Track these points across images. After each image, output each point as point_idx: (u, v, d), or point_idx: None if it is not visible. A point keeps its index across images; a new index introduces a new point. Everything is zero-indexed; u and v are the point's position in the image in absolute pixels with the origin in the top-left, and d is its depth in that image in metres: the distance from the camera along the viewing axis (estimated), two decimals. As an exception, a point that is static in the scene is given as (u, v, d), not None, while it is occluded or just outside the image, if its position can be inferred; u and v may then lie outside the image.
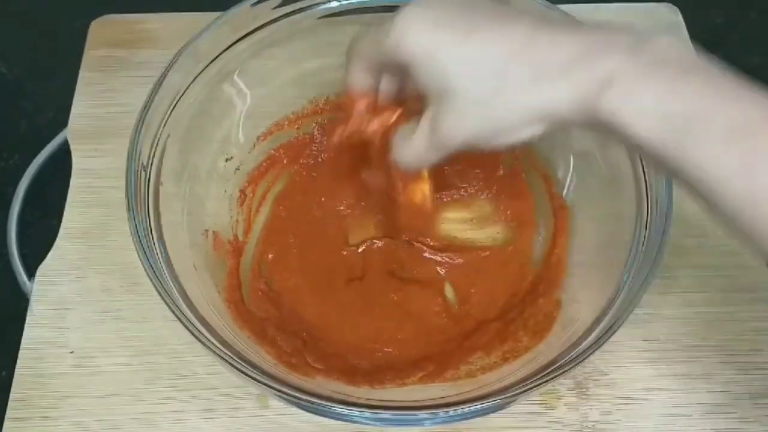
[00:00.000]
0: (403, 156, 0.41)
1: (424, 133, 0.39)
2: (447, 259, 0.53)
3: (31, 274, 0.53)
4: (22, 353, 0.49)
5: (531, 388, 0.38)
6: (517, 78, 0.35)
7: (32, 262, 0.53)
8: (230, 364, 0.39)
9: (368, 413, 0.38)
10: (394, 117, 0.43)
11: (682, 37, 0.33)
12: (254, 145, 0.54)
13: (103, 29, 0.64)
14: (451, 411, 0.38)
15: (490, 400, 0.38)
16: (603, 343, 0.39)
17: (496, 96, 0.36)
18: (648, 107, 0.32)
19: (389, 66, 0.41)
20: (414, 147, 0.40)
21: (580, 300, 0.46)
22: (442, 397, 0.42)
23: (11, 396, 0.48)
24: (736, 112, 0.31)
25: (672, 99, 0.32)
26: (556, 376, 0.38)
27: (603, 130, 0.34)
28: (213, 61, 0.50)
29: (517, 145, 0.37)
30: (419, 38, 0.37)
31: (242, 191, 0.53)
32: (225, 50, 0.50)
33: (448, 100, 0.37)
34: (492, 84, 0.35)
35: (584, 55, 0.34)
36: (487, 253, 0.53)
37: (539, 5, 0.50)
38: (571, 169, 0.52)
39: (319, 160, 0.55)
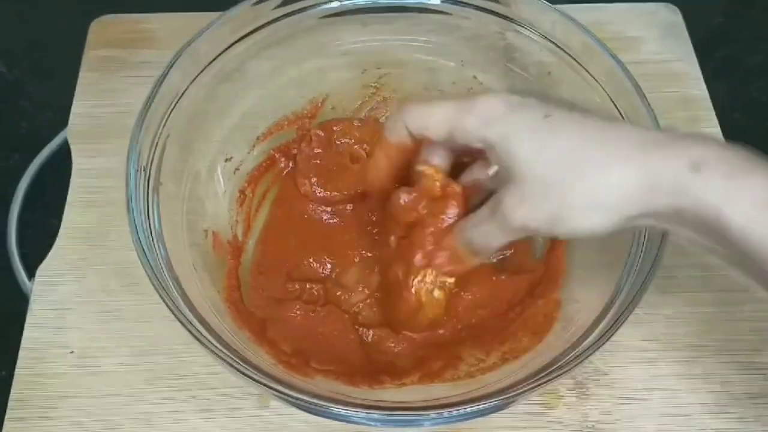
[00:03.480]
0: (464, 241, 0.41)
1: (486, 214, 0.39)
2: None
3: (31, 274, 0.53)
4: (22, 353, 0.49)
5: (531, 389, 0.38)
6: (589, 163, 0.35)
7: (32, 262, 0.53)
8: (230, 364, 0.39)
9: (368, 414, 0.38)
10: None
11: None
12: (254, 146, 0.54)
13: (103, 29, 0.64)
14: (451, 411, 0.38)
15: (490, 400, 0.38)
16: (603, 344, 0.39)
17: (565, 180, 0.35)
18: (749, 193, 0.31)
19: (458, 143, 0.41)
20: (480, 233, 0.40)
21: (580, 300, 0.46)
22: (442, 397, 0.42)
23: (11, 396, 0.48)
24: None
25: None
26: (556, 376, 0.38)
27: (682, 220, 0.33)
28: (213, 61, 0.50)
29: (585, 237, 0.36)
30: (500, 121, 0.38)
31: (242, 191, 0.53)
32: (225, 50, 0.50)
33: (516, 182, 0.37)
34: (563, 168, 0.35)
35: (666, 143, 0.33)
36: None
37: (538, 5, 0.50)
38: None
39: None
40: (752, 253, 0.32)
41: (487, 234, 0.40)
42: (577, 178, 0.35)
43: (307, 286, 0.51)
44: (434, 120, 0.40)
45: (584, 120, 0.37)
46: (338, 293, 0.50)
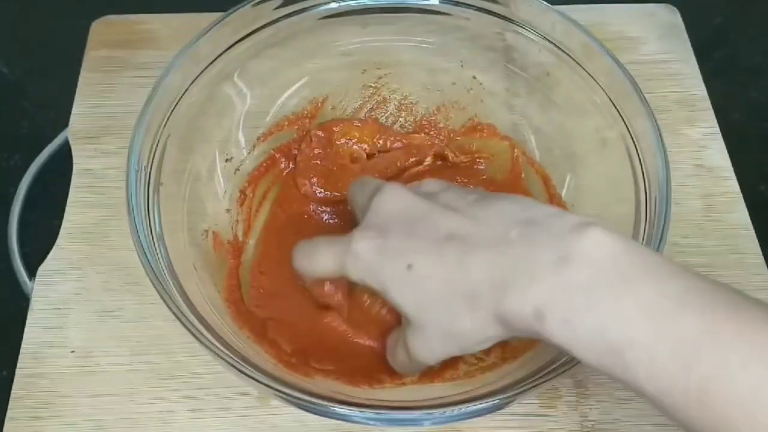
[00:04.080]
0: (393, 363, 0.44)
1: (402, 348, 0.42)
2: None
3: (31, 274, 0.53)
4: (22, 353, 0.49)
5: (530, 388, 0.38)
6: (460, 305, 0.37)
7: (33, 261, 0.53)
8: (230, 364, 0.39)
9: (368, 413, 0.38)
10: None
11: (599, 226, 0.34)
12: (254, 146, 0.54)
13: (103, 30, 0.64)
14: (451, 411, 0.38)
15: (490, 400, 0.38)
16: (602, 343, 0.39)
17: (449, 323, 0.38)
18: (585, 340, 0.32)
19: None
20: (399, 362, 0.43)
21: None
22: (442, 397, 0.42)
23: (11, 396, 0.48)
24: (675, 332, 0.31)
25: (608, 327, 0.32)
26: (555, 376, 0.38)
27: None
28: (213, 61, 0.50)
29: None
30: (372, 270, 0.39)
31: (242, 191, 0.53)
32: (225, 51, 0.50)
33: (411, 326, 0.40)
34: (441, 313, 0.38)
35: (511, 281, 0.34)
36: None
37: (537, 6, 0.50)
38: (569, 169, 0.52)
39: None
40: (619, 381, 0.33)
41: (405, 364, 0.43)
42: (455, 325, 0.37)
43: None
44: (320, 266, 0.42)
45: (442, 255, 0.37)
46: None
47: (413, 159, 0.55)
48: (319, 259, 0.42)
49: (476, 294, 0.36)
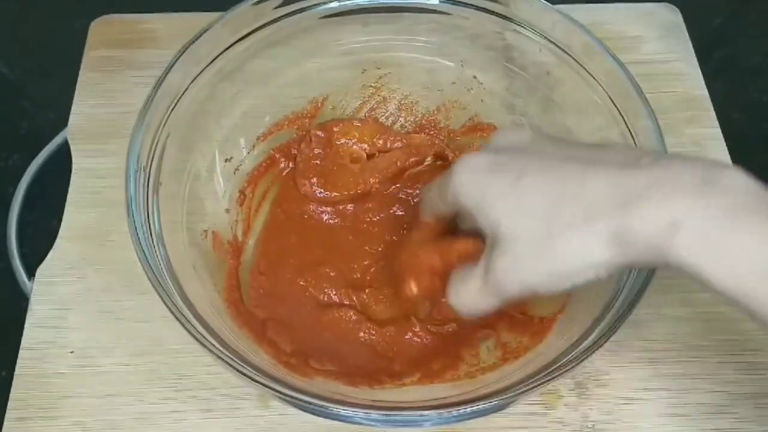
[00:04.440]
0: (458, 298, 0.40)
1: (479, 276, 0.38)
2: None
3: (31, 274, 0.53)
4: (22, 353, 0.49)
5: (531, 388, 0.38)
6: (569, 220, 0.34)
7: (32, 262, 0.53)
8: (229, 364, 0.39)
9: (367, 414, 0.38)
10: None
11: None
12: (254, 146, 0.54)
13: (103, 29, 0.64)
14: (451, 412, 0.38)
15: (490, 400, 0.38)
16: (603, 344, 0.39)
17: (549, 239, 0.35)
18: (725, 259, 0.31)
19: (456, 211, 0.41)
20: (469, 290, 0.39)
21: (580, 300, 0.46)
22: (442, 398, 0.42)
23: (11, 396, 0.48)
24: None
25: (757, 247, 0.30)
26: (555, 376, 0.38)
27: (675, 271, 0.32)
28: (213, 61, 0.50)
29: (581, 287, 0.36)
30: (472, 187, 0.38)
31: (242, 191, 0.53)
32: (225, 50, 0.50)
33: (501, 244, 0.36)
34: (543, 227, 0.35)
35: (644, 195, 0.32)
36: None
37: (537, 5, 0.50)
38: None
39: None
40: (739, 304, 0.32)
41: (475, 296, 0.39)
42: (558, 242, 0.35)
43: (312, 282, 0.51)
44: (433, 198, 0.42)
45: (561, 170, 0.35)
46: (342, 291, 0.50)
47: (413, 159, 0.55)
48: (436, 187, 0.42)
49: (595, 209, 0.33)
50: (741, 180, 0.32)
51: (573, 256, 0.34)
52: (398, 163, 0.55)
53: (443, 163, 0.56)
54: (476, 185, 0.37)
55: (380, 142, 0.56)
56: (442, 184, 0.40)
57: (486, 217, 0.37)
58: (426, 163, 0.56)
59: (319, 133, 0.55)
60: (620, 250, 0.33)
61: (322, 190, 0.54)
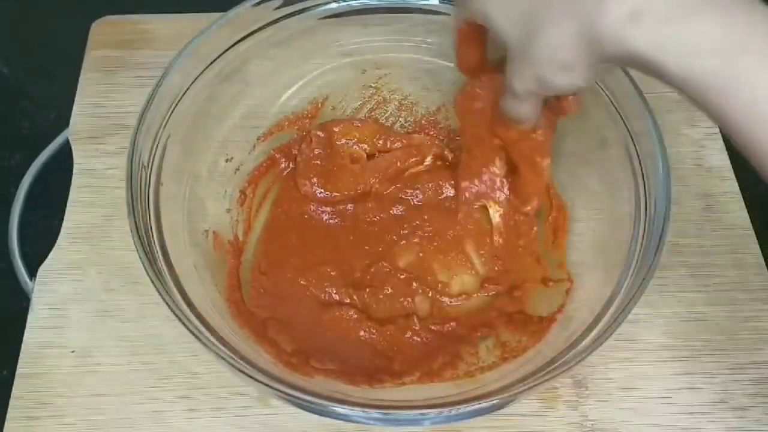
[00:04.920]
0: (503, 107, 0.43)
1: (507, 89, 0.41)
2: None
3: (32, 274, 0.53)
4: (23, 353, 0.49)
5: (530, 387, 0.39)
6: (540, 23, 0.35)
7: (33, 261, 0.53)
8: (230, 363, 0.39)
9: (368, 413, 0.38)
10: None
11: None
12: (254, 146, 0.55)
13: (104, 30, 0.64)
14: (451, 411, 0.38)
15: (490, 399, 0.38)
16: (602, 343, 0.39)
17: (529, 43, 0.36)
18: (682, 42, 0.32)
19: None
20: (505, 99, 0.42)
21: (579, 299, 0.46)
22: (442, 397, 0.42)
23: (12, 395, 0.48)
24: None
25: (714, 29, 0.31)
26: (555, 375, 0.38)
27: (637, 66, 0.33)
28: (214, 61, 0.50)
29: (576, 90, 0.39)
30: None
31: (242, 191, 0.53)
32: (225, 51, 0.50)
33: (509, 50, 0.39)
34: (523, 28, 0.37)
35: None
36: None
37: None
38: (570, 169, 0.52)
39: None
40: (694, 99, 0.33)
41: (511, 105, 0.42)
42: (535, 41, 0.36)
43: (313, 281, 0.51)
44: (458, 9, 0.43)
45: None
46: (342, 291, 0.50)
47: (413, 159, 0.55)
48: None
49: (565, 5, 0.34)
50: None
51: (552, 50, 0.36)
52: (398, 163, 0.55)
53: (443, 163, 0.56)
54: None
55: (380, 142, 0.56)
56: None
57: (492, 24, 0.39)
58: (426, 163, 0.56)
59: (320, 133, 0.55)
60: (591, 48, 0.34)
61: (322, 190, 0.54)
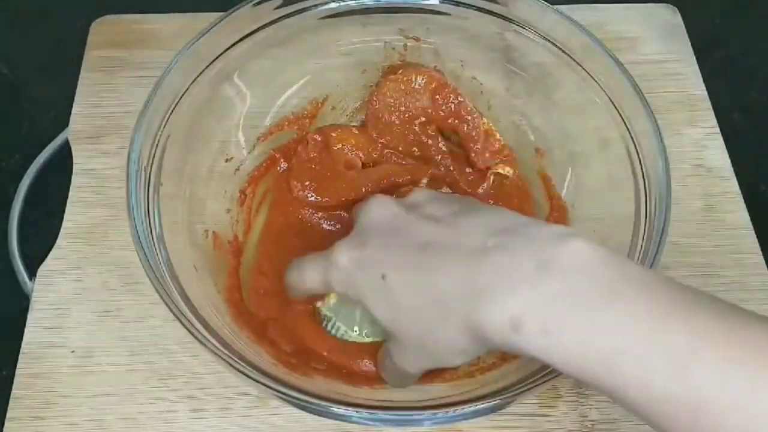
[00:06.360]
0: (384, 376, 0.44)
1: (390, 363, 0.42)
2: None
3: (31, 274, 0.53)
4: (22, 353, 0.49)
5: (530, 388, 0.38)
6: (428, 316, 0.36)
7: (33, 261, 0.53)
8: (230, 364, 0.39)
9: (368, 413, 0.38)
10: None
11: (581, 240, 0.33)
12: (254, 146, 0.55)
13: (103, 29, 0.64)
14: (451, 411, 0.38)
15: (490, 400, 0.38)
16: (602, 343, 0.39)
17: (422, 333, 0.38)
18: (567, 349, 0.32)
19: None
20: (388, 374, 0.44)
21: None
22: (442, 397, 0.42)
23: (12, 395, 0.48)
24: (665, 337, 0.30)
25: (594, 335, 0.31)
26: (555, 376, 0.38)
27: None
28: (213, 61, 0.50)
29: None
30: (346, 283, 0.40)
31: (242, 191, 0.53)
32: (226, 50, 0.50)
33: (391, 337, 0.41)
34: (412, 323, 0.38)
35: (486, 290, 0.34)
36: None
37: (537, 6, 0.50)
38: (570, 169, 0.52)
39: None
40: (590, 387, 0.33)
41: (394, 377, 0.44)
42: (428, 336, 0.37)
43: None
44: (308, 281, 0.43)
45: (419, 264, 0.37)
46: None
47: (408, 177, 0.53)
48: (307, 274, 0.43)
49: (447, 304, 0.35)
50: (580, 255, 0.33)
51: (445, 348, 0.37)
52: (393, 178, 0.53)
53: (438, 183, 0.54)
54: (350, 280, 0.40)
55: (375, 154, 0.55)
56: (323, 268, 0.41)
57: (369, 310, 0.39)
58: (421, 185, 0.53)
59: (317, 137, 0.54)
60: (479, 341, 0.35)
61: (313, 195, 0.53)
